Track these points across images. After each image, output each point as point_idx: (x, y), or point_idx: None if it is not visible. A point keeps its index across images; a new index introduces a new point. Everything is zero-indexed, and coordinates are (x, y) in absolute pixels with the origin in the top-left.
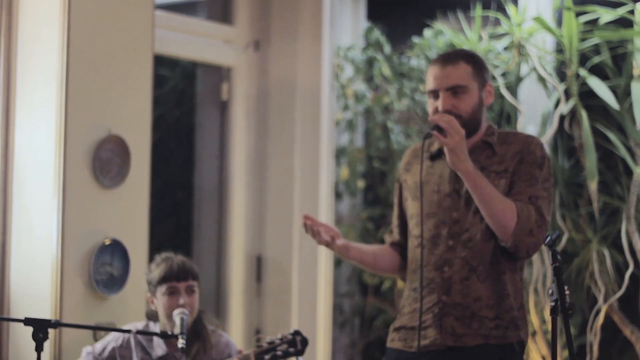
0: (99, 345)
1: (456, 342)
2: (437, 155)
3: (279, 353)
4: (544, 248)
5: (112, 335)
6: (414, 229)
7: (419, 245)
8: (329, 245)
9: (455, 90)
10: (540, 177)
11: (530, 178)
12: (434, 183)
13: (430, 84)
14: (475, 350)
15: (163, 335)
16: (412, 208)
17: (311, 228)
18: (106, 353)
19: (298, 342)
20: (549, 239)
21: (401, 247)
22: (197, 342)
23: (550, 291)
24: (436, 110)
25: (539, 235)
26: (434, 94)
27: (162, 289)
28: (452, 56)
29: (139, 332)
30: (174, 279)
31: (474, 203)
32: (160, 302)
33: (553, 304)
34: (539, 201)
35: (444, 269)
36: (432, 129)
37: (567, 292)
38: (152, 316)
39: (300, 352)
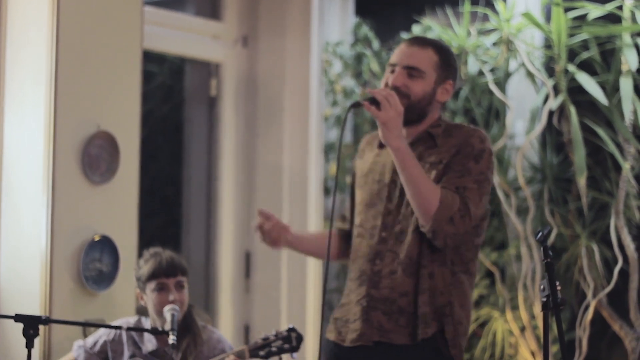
0: (90, 339)
1: (382, 337)
2: (383, 144)
3: (273, 349)
4: (534, 244)
5: (104, 329)
6: (356, 217)
7: (358, 235)
8: (274, 244)
9: (411, 72)
10: (474, 170)
11: (461, 169)
12: (377, 172)
13: (393, 56)
14: (403, 348)
15: (154, 331)
16: (357, 196)
17: (260, 228)
18: (97, 347)
19: (293, 339)
20: (540, 234)
21: (348, 234)
22: (187, 337)
23: (541, 287)
24: (386, 85)
25: (459, 225)
26: (393, 67)
27: (151, 285)
28: (424, 40)
29: (129, 328)
30: (162, 275)
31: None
32: (149, 298)
33: (544, 299)
34: (466, 192)
35: (375, 262)
36: (367, 100)
37: (558, 288)
38: (142, 311)
39: (295, 349)
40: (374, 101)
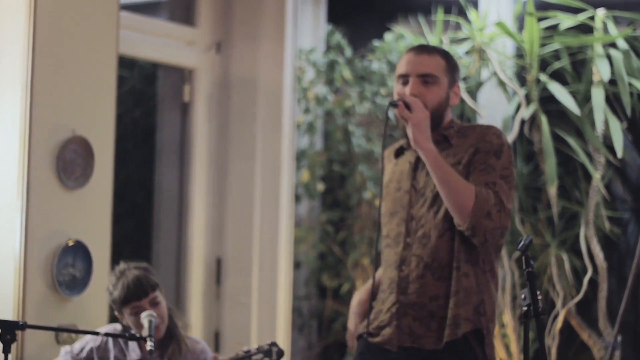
0: (77, 345)
1: (414, 343)
2: (400, 152)
3: None
4: (505, 252)
5: (91, 335)
6: (382, 228)
7: (386, 245)
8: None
9: (426, 79)
10: (498, 166)
11: (485, 167)
12: (396, 180)
13: (402, 68)
14: (432, 354)
15: (131, 337)
16: (382, 208)
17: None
18: (84, 353)
19: (274, 353)
20: (521, 244)
21: None
22: (172, 343)
23: (523, 296)
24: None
25: (497, 220)
26: (404, 78)
27: (127, 310)
28: (429, 47)
29: (107, 334)
30: (134, 299)
31: (429, 198)
32: (129, 320)
33: (525, 308)
34: (497, 187)
35: (402, 268)
36: (398, 101)
37: (539, 297)
38: (129, 328)
39: None
40: (405, 105)
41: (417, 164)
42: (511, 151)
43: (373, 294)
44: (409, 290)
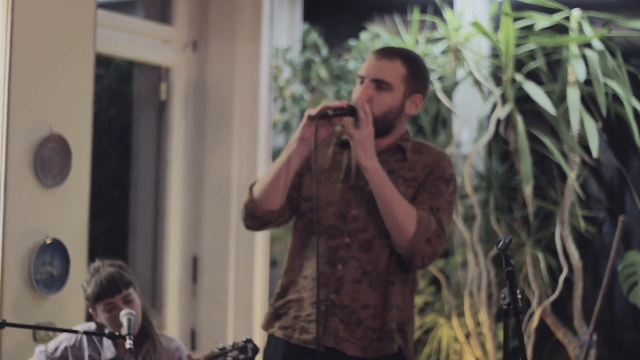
0: (51, 344)
1: (336, 345)
2: (347, 144)
3: (229, 359)
4: (480, 251)
5: (65, 334)
6: (308, 212)
7: (313, 232)
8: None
9: (379, 85)
10: (445, 192)
11: (435, 191)
12: (340, 172)
13: (362, 68)
14: None
15: (111, 335)
16: (310, 190)
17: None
18: (58, 352)
19: (249, 350)
20: (501, 243)
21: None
22: (146, 342)
23: (502, 295)
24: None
25: (436, 246)
26: (362, 80)
27: (100, 306)
28: (393, 52)
29: (86, 332)
30: (107, 295)
31: (375, 204)
32: (102, 317)
33: (505, 307)
34: (440, 213)
35: (337, 267)
36: (348, 111)
37: (519, 296)
38: (103, 326)
39: (250, 359)
40: (352, 111)
41: None
42: (456, 183)
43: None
44: (342, 292)
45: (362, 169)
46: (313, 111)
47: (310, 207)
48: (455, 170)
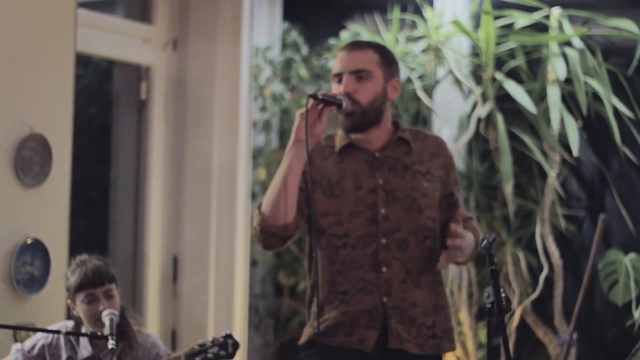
0: (28, 343)
1: (401, 346)
2: (346, 151)
3: (209, 355)
4: None
5: (42, 332)
6: (328, 227)
7: (345, 245)
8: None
9: (359, 75)
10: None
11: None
12: (351, 179)
13: (336, 67)
14: (413, 359)
15: (93, 335)
16: (325, 205)
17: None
18: (35, 350)
19: (229, 345)
20: (485, 242)
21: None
22: (122, 341)
23: (486, 294)
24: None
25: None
26: (339, 77)
27: (80, 296)
28: (361, 43)
29: (68, 333)
30: (89, 285)
31: (404, 201)
32: (80, 309)
33: (489, 306)
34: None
35: (382, 269)
36: (336, 101)
37: (503, 295)
38: (78, 320)
39: (230, 355)
40: (340, 103)
41: (378, 164)
42: None
43: (315, 296)
44: (393, 293)
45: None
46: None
47: (330, 222)
48: None
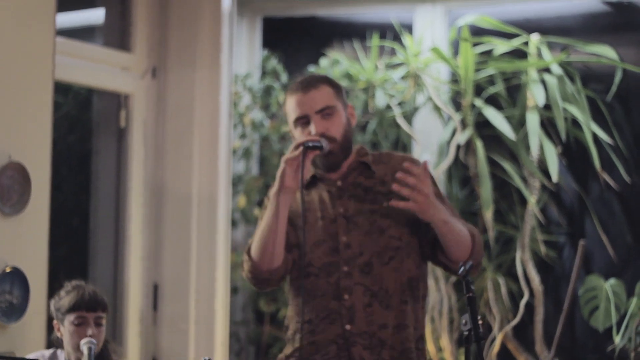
0: None
1: None
2: (311, 183)
3: None
4: (442, 276)
5: None
6: (297, 259)
7: (309, 274)
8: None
9: (325, 112)
10: (440, 192)
11: (437, 198)
12: (315, 210)
13: (296, 111)
14: None
15: None
16: (294, 238)
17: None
18: None
19: None
20: (462, 269)
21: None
22: None
23: (464, 321)
24: (309, 135)
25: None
26: (303, 120)
27: (70, 317)
28: (311, 81)
29: None
30: (83, 308)
31: (363, 225)
32: (67, 330)
33: (466, 333)
34: (457, 214)
35: (344, 297)
36: (319, 145)
37: (480, 322)
38: (57, 343)
39: None
40: (321, 145)
41: (339, 192)
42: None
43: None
44: (357, 319)
45: (433, 223)
46: (291, 155)
47: (297, 254)
48: None
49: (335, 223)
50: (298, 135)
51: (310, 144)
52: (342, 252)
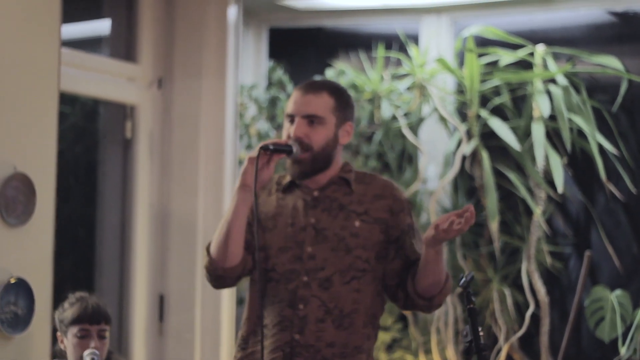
0: None
1: None
2: (289, 188)
3: None
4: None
5: None
6: (262, 261)
7: (271, 279)
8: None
9: (311, 120)
10: (415, 224)
11: (410, 230)
12: (287, 215)
13: (289, 107)
14: None
15: None
16: (261, 240)
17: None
18: None
19: None
20: (463, 280)
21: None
22: None
23: (464, 332)
24: (288, 137)
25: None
26: (291, 118)
27: (73, 329)
28: (317, 85)
29: None
30: (86, 321)
31: (332, 240)
32: (70, 343)
33: (467, 345)
34: None
35: (299, 306)
36: (286, 148)
37: (481, 334)
38: (60, 355)
39: None
40: (289, 149)
41: (314, 203)
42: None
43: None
44: (306, 331)
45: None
46: (252, 154)
47: (264, 257)
48: (419, 205)
49: (304, 232)
50: (285, 129)
51: (271, 147)
52: (305, 261)
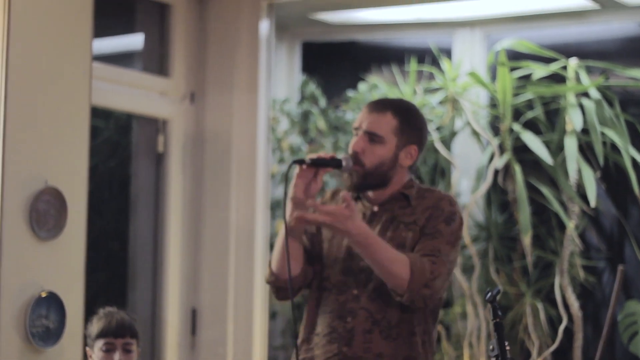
0: None
1: None
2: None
3: None
4: (480, 302)
5: None
6: (319, 271)
7: (325, 288)
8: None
9: (371, 137)
10: (445, 231)
11: (434, 232)
12: None
13: (357, 120)
14: None
15: None
16: (321, 249)
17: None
18: None
19: None
20: (489, 294)
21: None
22: None
23: (491, 347)
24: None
25: (434, 287)
26: (356, 131)
27: (99, 344)
28: (383, 104)
29: None
30: (111, 335)
31: None
32: (96, 357)
33: (494, 359)
34: (438, 252)
35: (347, 319)
36: (331, 162)
37: (507, 348)
38: None
39: None
40: (336, 163)
41: (372, 217)
42: (462, 221)
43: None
44: (354, 343)
45: (347, 238)
46: (298, 170)
47: (320, 266)
48: (459, 209)
49: (347, 246)
50: (352, 140)
51: (308, 161)
52: (357, 275)
